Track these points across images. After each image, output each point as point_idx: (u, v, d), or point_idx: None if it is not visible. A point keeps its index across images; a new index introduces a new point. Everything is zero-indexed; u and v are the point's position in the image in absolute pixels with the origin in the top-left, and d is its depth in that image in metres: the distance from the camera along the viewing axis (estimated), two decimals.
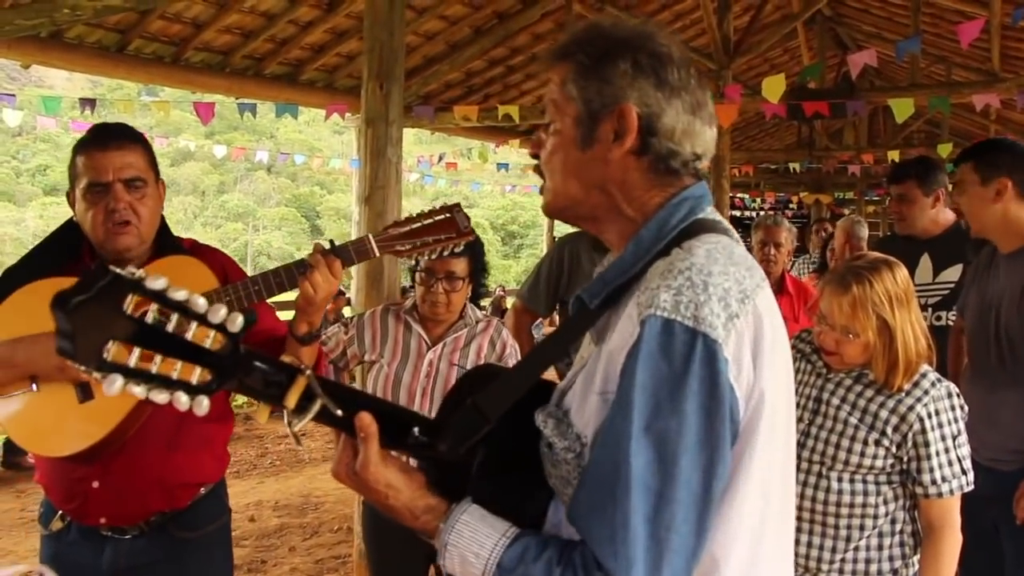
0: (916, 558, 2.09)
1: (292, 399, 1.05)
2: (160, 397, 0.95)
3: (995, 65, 6.23)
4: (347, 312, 10.40)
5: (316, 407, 1.07)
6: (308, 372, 1.06)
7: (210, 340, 0.97)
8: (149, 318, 0.95)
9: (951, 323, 3.17)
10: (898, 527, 2.08)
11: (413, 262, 2.73)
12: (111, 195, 1.91)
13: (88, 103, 6.54)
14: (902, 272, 2.06)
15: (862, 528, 2.06)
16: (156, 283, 0.94)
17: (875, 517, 2.06)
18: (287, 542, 5.03)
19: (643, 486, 0.98)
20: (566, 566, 1.01)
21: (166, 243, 2.07)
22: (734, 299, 1.03)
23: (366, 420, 1.10)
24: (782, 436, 1.10)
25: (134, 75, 6.12)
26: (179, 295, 0.95)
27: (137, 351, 0.94)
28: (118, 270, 0.94)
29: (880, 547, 2.07)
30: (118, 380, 0.94)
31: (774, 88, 5.68)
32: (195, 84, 6.40)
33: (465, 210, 1.90)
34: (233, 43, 6.16)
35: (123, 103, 6.91)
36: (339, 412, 1.08)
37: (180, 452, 2.01)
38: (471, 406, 1.12)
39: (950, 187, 3.46)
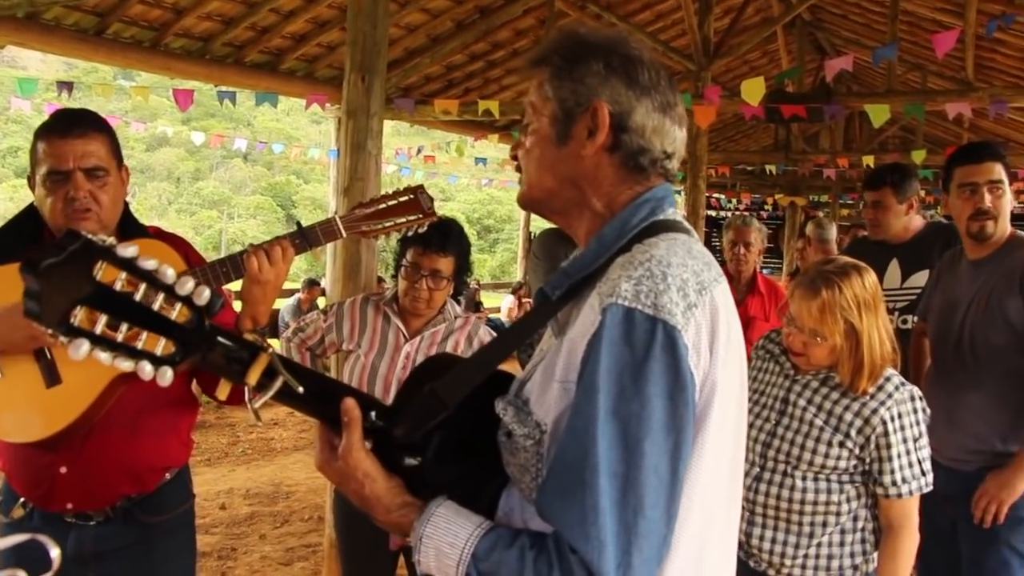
0: (876, 554, 2.14)
1: (253, 376, 1.06)
2: (124, 364, 0.96)
3: (969, 74, 6.33)
4: (321, 302, 10.37)
5: (278, 384, 1.08)
6: (270, 350, 1.08)
7: (175, 312, 0.97)
8: (118, 286, 0.95)
9: None
10: (860, 524, 2.13)
11: (396, 255, 2.76)
12: (71, 183, 1.89)
13: (65, 86, 6.46)
14: (871, 277, 2.10)
15: (825, 525, 2.11)
16: (127, 251, 0.95)
17: (838, 515, 2.11)
18: (257, 530, 5.02)
19: (609, 470, 1.00)
20: (539, 551, 1.02)
21: (130, 229, 2.06)
22: (692, 290, 1.06)
23: (349, 404, 1.12)
24: (731, 430, 1.13)
25: (112, 59, 6.06)
26: (148, 264, 0.96)
27: (104, 318, 0.94)
28: (90, 235, 0.94)
29: (842, 543, 2.12)
30: (84, 345, 0.94)
31: (754, 91, 5.74)
32: (174, 70, 6.35)
33: (441, 204, 1.93)
34: (213, 30, 6.12)
35: (101, 87, 6.84)
36: (300, 389, 1.09)
37: (147, 436, 2.02)
38: (429, 392, 1.14)
39: (922, 193, 3.54)
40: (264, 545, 4.79)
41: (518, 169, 1.28)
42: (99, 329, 0.94)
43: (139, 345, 0.96)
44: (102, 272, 0.94)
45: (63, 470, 1.94)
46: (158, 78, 7.24)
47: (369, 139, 3.78)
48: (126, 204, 2.08)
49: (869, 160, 9.64)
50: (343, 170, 3.85)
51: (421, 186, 1.98)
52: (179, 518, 2.14)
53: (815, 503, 2.10)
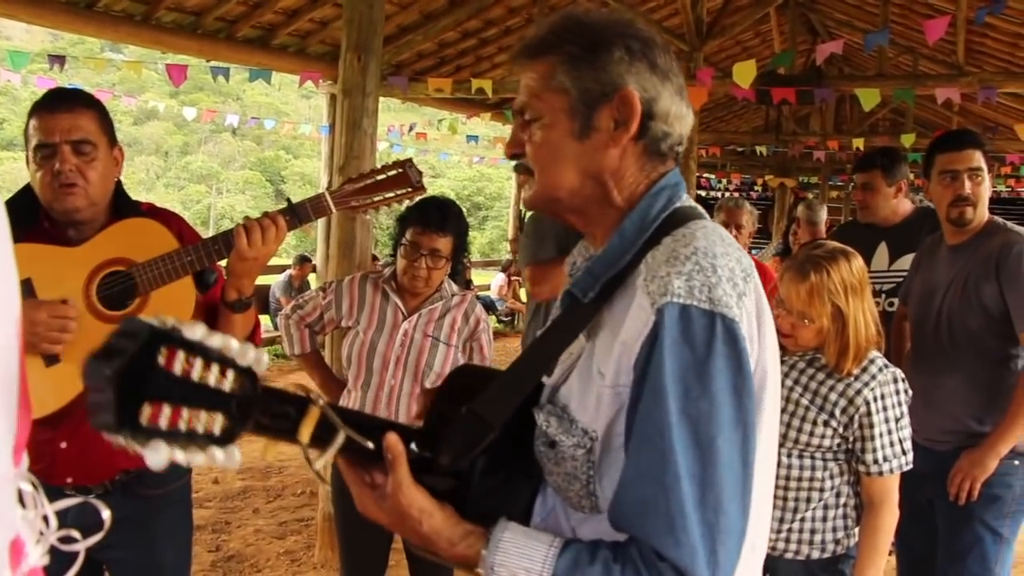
0: (857, 529, 2.21)
1: (306, 432, 0.98)
2: (198, 459, 0.87)
3: (960, 59, 6.36)
4: (312, 279, 10.38)
5: (340, 440, 1.00)
6: (321, 401, 0.99)
7: (228, 382, 0.88)
8: (177, 368, 0.85)
9: None
10: (842, 500, 2.20)
11: (394, 234, 2.78)
12: (58, 156, 1.91)
13: (57, 59, 6.41)
14: (858, 262, 2.15)
15: (809, 501, 2.17)
16: (195, 333, 0.86)
17: (821, 491, 2.17)
18: (251, 504, 5.08)
19: (688, 473, 0.98)
20: (624, 563, 0.99)
21: (123, 207, 2.08)
22: (739, 279, 1.05)
23: (392, 440, 1.06)
24: (776, 412, 1.13)
25: (103, 33, 6.00)
26: (215, 342, 0.87)
27: (167, 409, 0.84)
28: (154, 323, 0.84)
29: (824, 518, 2.19)
30: (162, 447, 0.84)
31: (745, 73, 5.75)
32: (165, 44, 6.29)
33: (431, 180, 1.95)
34: (206, 4, 6.07)
35: (92, 61, 6.78)
36: (370, 445, 1.02)
37: None
38: (469, 414, 1.09)
39: (911, 177, 3.59)
40: (257, 519, 4.85)
41: (517, 169, 1.23)
42: (164, 423, 0.84)
43: (200, 428, 0.86)
44: (164, 358, 0.84)
45: (63, 445, 1.97)
46: (147, 51, 7.18)
47: (365, 117, 3.80)
48: (119, 182, 2.09)
49: (859, 143, 9.68)
50: (339, 148, 3.88)
51: (409, 160, 1.98)
52: (176, 491, 2.18)
53: (800, 479, 2.16)
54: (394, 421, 1.16)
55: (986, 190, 2.72)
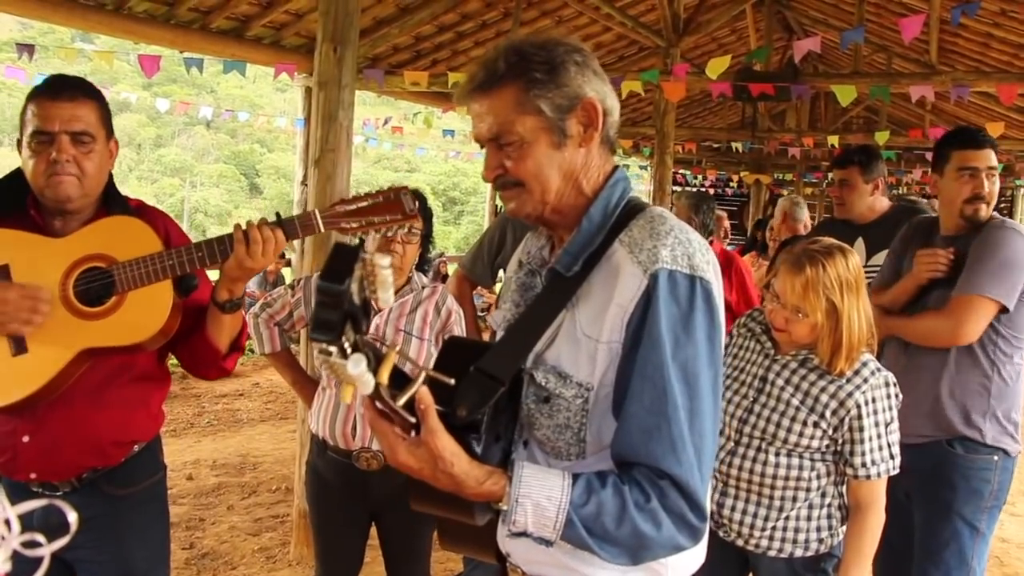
0: (841, 528, 2.21)
1: (385, 373, 1.10)
2: (367, 382, 1.05)
3: (933, 58, 6.41)
4: (287, 274, 10.28)
5: (423, 377, 1.15)
6: (397, 347, 1.15)
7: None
8: (357, 298, 1.01)
9: None
10: (827, 500, 2.20)
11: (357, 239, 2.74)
12: (55, 145, 1.89)
13: (26, 48, 6.29)
14: (854, 260, 2.15)
15: (795, 500, 2.17)
16: (383, 259, 1.07)
17: (807, 490, 2.17)
18: (225, 501, 5.02)
19: (683, 405, 1.21)
20: (631, 484, 1.20)
21: (113, 201, 2.05)
22: (706, 249, 1.30)
23: (424, 392, 1.17)
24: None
25: (72, 21, 5.88)
26: (383, 262, 1.07)
27: (350, 331, 1.00)
28: (361, 251, 1.02)
29: (809, 517, 2.19)
30: (362, 361, 1.01)
31: (717, 68, 5.78)
32: (137, 34, 6.18)
33: (407, 175, 1.90)
34: None
35: (63, 51, 6.66)
36: (451, 381, 1.17)
37: (113, 410, 2.01)
38: (478, 372, 1.25)
39: (886, 174, 3.62)
40: (232, 515, 4.80)
41: (496, 187, 1.36)
42: (348, 342, 1.00)
43: (349, 349, 1.01)
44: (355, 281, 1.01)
45: (25, 439, 1.94)
46: (119, 41, 7.07)
47: (341, 110, 3.75)
48: (111, 175, 2.06)
49: (834, 140, 9.76)
50: (314, 141, 3.82)
51: (406, 187, 1.94)
52: (148, 490, 2.13)
53: (786, 478, 2.16)
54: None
55: (997, 188, 2.76)
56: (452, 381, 1.16)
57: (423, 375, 1.15)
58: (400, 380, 1.17)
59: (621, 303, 1.24)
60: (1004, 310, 2.57)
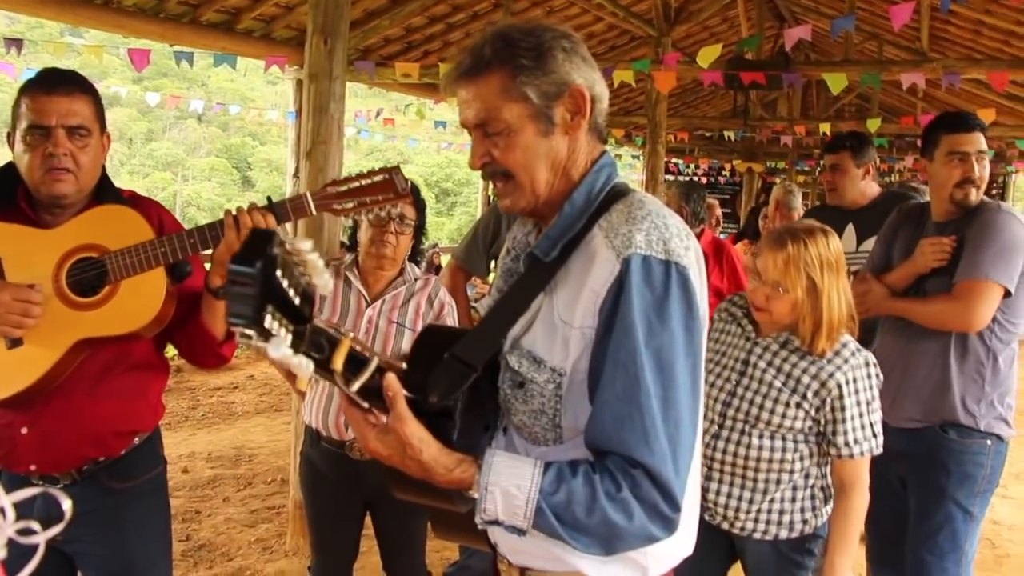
0: (825, 509, 2.24)
1: (339, 360, 1.08)
2: (305, 366, 1.01)
3: (924, 45, 6.44)
4: None
5: (373, 364, 1.13)
6: (351, 335, 1.12)
7: (298, 299, 0.99)
8: (285, 282, 0.96)
9: None
10: (811, 481, 2.22)
11: (351, 221, 2.74)
12: (51, 140, 1.89)
13: (14, 43, 6.26)
14: (836, 242, 2.18)
15: (778, 482, 2.20)
16: (304, 244, 1.00)
17: (791, 472, 2.20)
18: (221, 493, 5.04)
19: (656, 394, 1.18)
20: (602, 473, 1.17)
21: (106, 192, 2.05)
22: (685, 235, 1.26)
23: (391, 379, 1.17)
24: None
25: (62, 16, 5.86)
26: (308, 261, 1.01)
27: (278, 315, 0.95)
28: (280, 232, 0.97)
29: (793, 499, 2.21)
30: (284, 343, 0.96)
31: (708, 57, 5.79)
32: (126, 28, 6.15)
33: (400, 166, 1.91)
34: None
35: (52, 45, 6.63)
36: (404, 365, 1.17)
37: (112, 400, 2.01)
38: (452, 358, 1.24)
39: (878, 161, 3.63)
40: (228, 507, 4.81)
41: (485, 176, 1.34)
42: (275, 325, 0.95)
43: (285, 336, 0.97)
44: (280, 267, 0.96)
45: (24, 431, 1.94)
46: (108, 35, 7.04)
47: (332, 102, 3.75)
48: (103, 167, 2.06)
49: (826, 128, 9.76)
50: (306, 133, 3.83)
51: (397, 167, 1.94)
52: (148, 483, 2.14)
53: (770, 461, 2.18)
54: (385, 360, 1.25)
55: (987, 172, 2.76)
56: (404, 365, 1.16)
57: (375, 361, 1.13)
58: (358, 366, 1.15)
59: (594, 288, 1.22)
60: (1007, 294, 2.58)
